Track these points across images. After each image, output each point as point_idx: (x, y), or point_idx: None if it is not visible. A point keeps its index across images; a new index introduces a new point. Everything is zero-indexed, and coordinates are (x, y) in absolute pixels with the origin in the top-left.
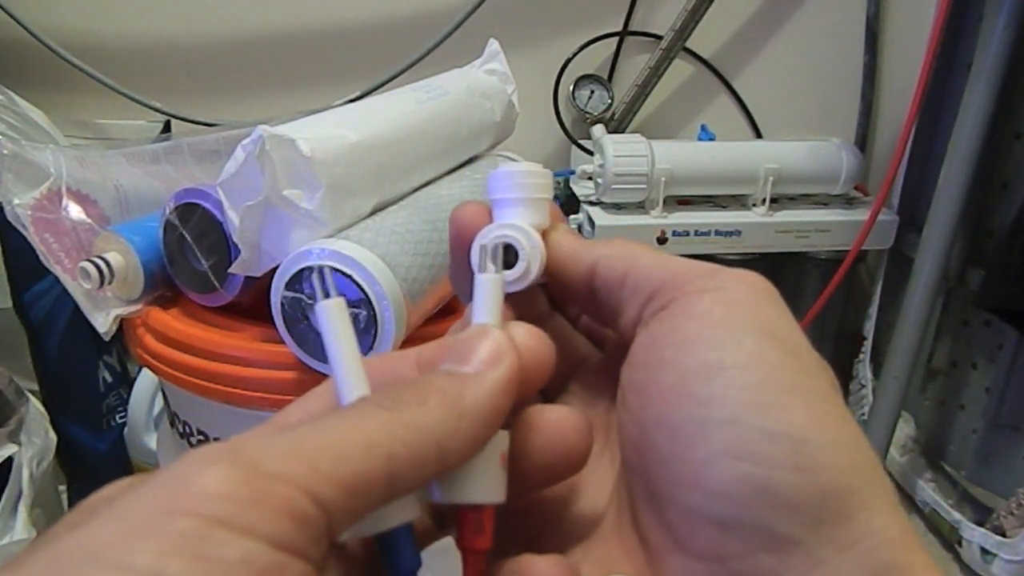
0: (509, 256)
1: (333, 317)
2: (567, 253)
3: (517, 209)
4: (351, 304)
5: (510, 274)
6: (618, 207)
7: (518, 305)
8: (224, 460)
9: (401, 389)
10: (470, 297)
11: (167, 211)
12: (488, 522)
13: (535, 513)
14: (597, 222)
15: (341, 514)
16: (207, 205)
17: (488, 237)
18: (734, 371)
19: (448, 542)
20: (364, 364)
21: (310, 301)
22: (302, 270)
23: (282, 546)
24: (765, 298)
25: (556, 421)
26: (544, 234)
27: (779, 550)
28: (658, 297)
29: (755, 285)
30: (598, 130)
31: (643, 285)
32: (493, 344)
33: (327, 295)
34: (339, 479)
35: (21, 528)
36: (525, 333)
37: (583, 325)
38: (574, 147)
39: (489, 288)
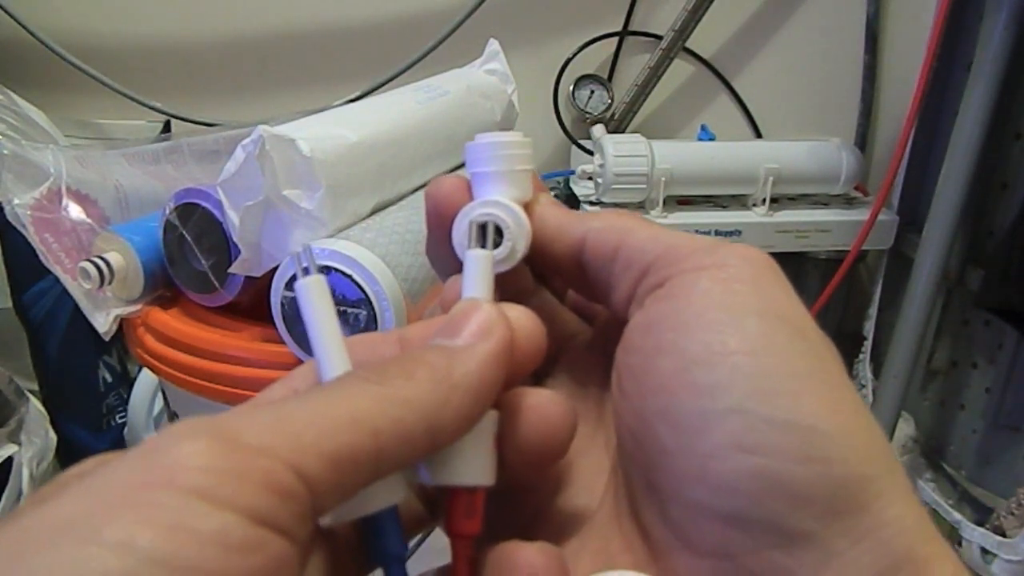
0: (493, 236)
1: (313, 294)
2: (553, 227)
3: (498, 184)
4: (351, 304)
5: (495, 255)
6: (618, 207)
7: (501, 280)
8: (204, 433)
9: (388, 363)
10: (447, 273)
11: (167, 211)
12: (479, 506)
13: (527, 499)
14: None
15: (326, 491)
16: (207, 205)
17: (472, 215)
18: (738, 356)
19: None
20: (345, 343)
21: None
22: None
23: (262, 520)
24: (768, 275)
25: (538, 405)
26: (527, 207)
27: (791, 545)
28: (653, 273)
29: (756, 261)
30: (598, 130)
31: (636, 260)
32: (483, 316)
33: (307, 274)
34: (324, 453)
35: None
36: (518, 313)
37: (570, 300)
38: (574, 147)
39: (478, 263)
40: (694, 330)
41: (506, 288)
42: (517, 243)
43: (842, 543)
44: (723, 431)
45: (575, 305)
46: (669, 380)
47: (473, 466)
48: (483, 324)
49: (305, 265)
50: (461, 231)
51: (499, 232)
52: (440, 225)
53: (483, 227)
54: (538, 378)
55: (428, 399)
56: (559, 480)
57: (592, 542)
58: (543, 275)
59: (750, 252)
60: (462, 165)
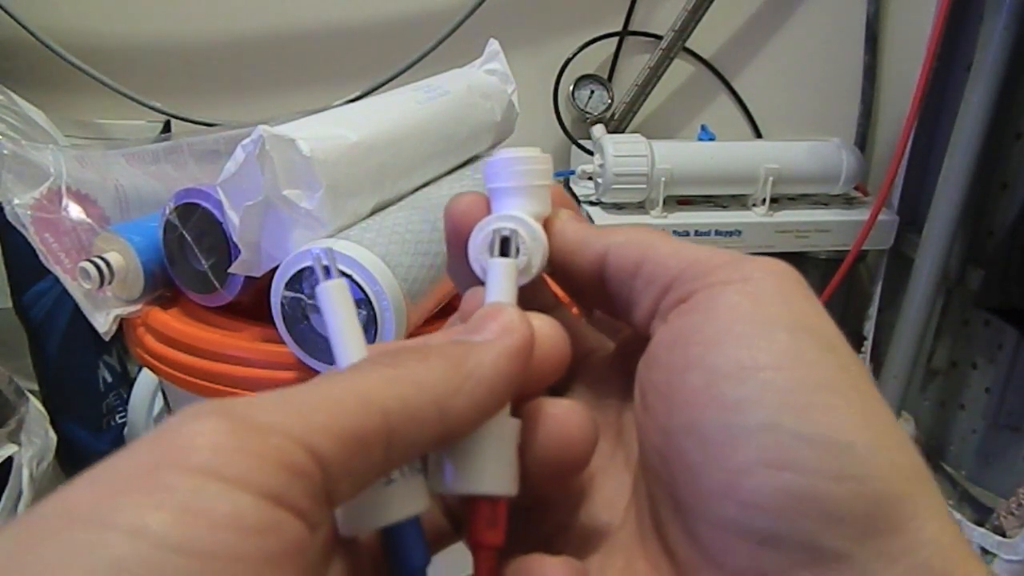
0: (508, 249)
1: (335, 298)
2: (572, 241)
3: (515, 198)
4: None
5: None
6: (618, 207)
7: (520, 296)
8: (213, 413)
9: (403, 350)
10: (467, 288)
11: (167, 211)
12: (501, 516)
13: (548, 514)
14: (597, 222)
15: (338, 472)
16: (207, 205)
17: (487, 229)
18: (768, 371)
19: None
20: (367, 350)
21: (310, 301)
22: (302, 270)
23: (276, 499)
24: (795, 288)
25: (559, 414)
26: (547, 222)
27: (823, 565)
28: (677, 288)
29: (783, 274)
30: (598, 130)
31: (659, 275)
32: (506, 316)
33: (328, 277)
34: (333, 432)
35: None
36: (542, 322)
37: (597, 319)
38: (574, 147)
39: (503, 271)
40: (722, 344)
41: (525, 304)
42: (533, 257)
43: (877, 564)
44: (753, 447)
45: (601, 323)
46: (696, 395)
47: (496, 475)
48: (505, 323)
49: (327, 265)
50: (476, 245)
51: (515, 247)
52: (458, 241)
53: (505, 239)
54: (556, 393)
55: (440, 382)
56: (580, 495)
57: (616, 560)
58: (571, 294)
59: (776, 265)
60: (462, 165)
